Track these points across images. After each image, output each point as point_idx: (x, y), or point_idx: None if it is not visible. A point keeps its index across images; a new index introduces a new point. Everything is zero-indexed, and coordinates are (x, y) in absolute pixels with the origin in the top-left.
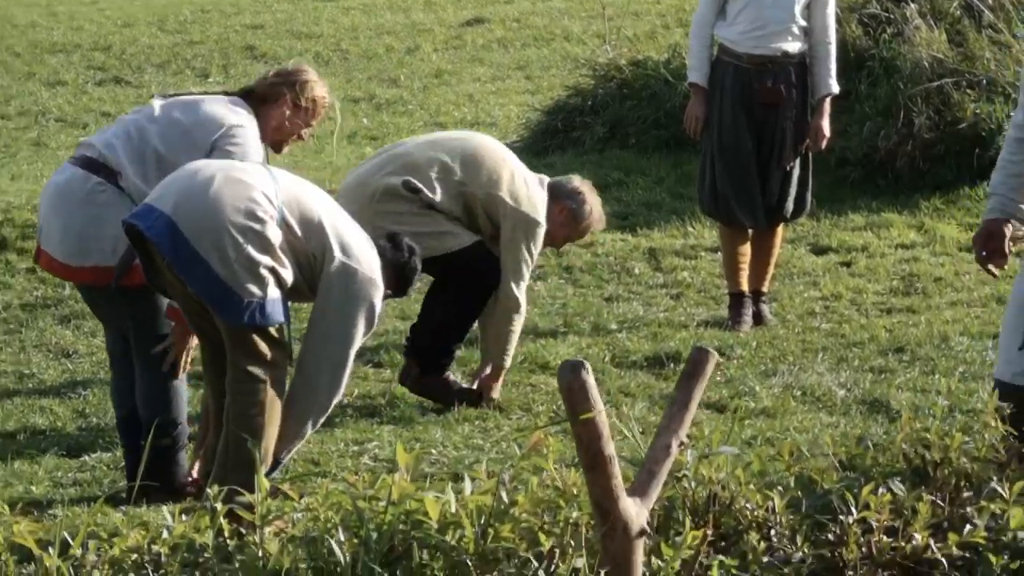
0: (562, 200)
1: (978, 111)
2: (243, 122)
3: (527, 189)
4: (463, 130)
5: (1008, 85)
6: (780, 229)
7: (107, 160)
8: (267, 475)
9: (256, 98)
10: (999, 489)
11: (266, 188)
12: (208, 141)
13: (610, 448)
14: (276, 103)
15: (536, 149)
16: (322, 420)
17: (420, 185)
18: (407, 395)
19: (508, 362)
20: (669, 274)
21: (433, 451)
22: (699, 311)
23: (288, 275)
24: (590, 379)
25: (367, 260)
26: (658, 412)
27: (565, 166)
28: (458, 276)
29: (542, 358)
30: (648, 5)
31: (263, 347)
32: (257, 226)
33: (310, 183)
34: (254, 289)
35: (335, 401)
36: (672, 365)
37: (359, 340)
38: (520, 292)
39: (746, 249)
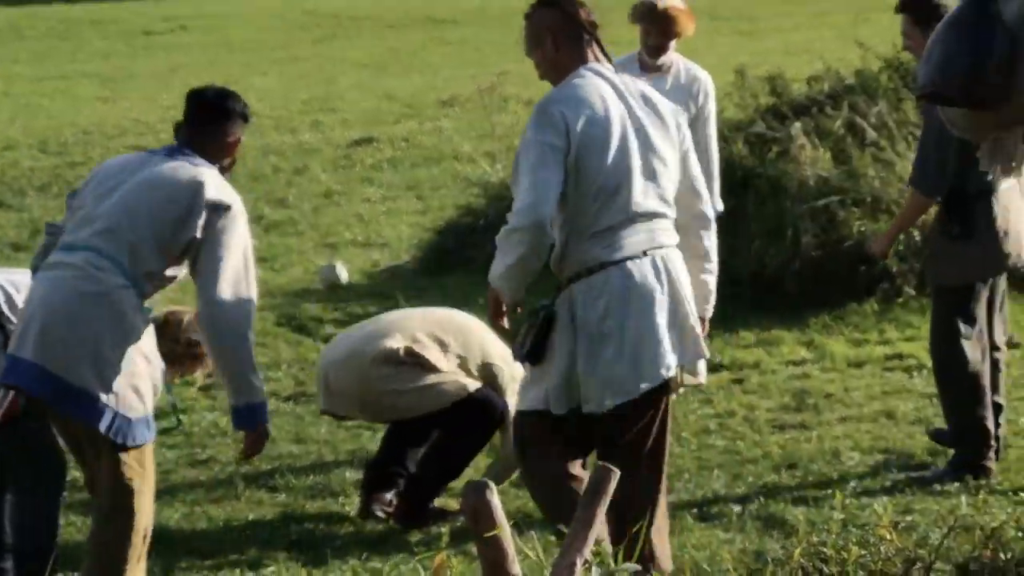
0: None
1: (863, 228)
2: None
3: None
4: (440, 307)
5: (892, 203)
6: None
7: None
8: None
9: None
10: None
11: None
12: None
13: (515, 568)
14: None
15: (429, 270)
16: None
17: (421, 352)
18: (301, 518)
19: None
20: None
21: None
22: None
23: (149, 393)
24: (495, 499)
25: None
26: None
27: (458, 286)
28: (465, 418)
29: None
30: None
31: (135, 472)
32: (133, 339)
33: None
34: (117, 402)
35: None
36: None
37: None
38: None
39: None
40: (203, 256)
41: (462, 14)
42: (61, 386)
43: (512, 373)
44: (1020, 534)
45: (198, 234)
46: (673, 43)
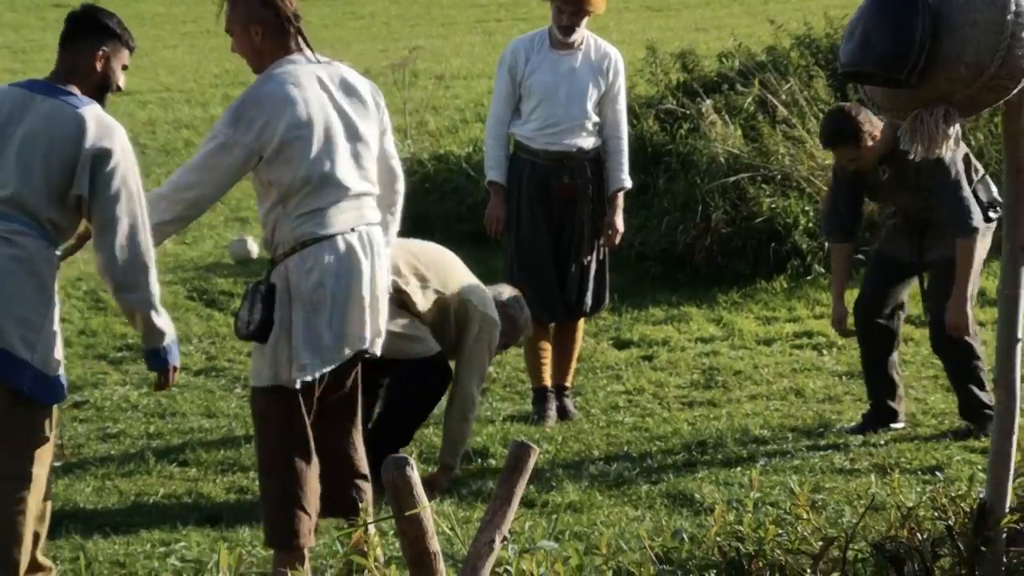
0: (506, 307)
1: (773, 205)
2: None
3: (487, 295)
4: (420, 240)
5: (802, 180)
6: (581, 324)
7: None
8: None
9: None
10: None
11: None
12: None
13: (435, 544)
14: None
15: None
16: None
17: (404, 288)
18: (211, 492)
19: (458, 461)
20: None
21: (243, 551)
22: (505, 406)
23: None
24: (415, 475)
25: None
26: (467, 508)
27: None
28: (414, 382)
29: None
30: (447, 100)
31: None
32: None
33: None
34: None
35: None
36: (479, 460)
37: None
38: (477, 392)
39: (548, 344)
40: (95, 208)
41: None
42: None
43: (485, 310)
44: (935, 514)
45: (85, 192)
46: (585, 20)
